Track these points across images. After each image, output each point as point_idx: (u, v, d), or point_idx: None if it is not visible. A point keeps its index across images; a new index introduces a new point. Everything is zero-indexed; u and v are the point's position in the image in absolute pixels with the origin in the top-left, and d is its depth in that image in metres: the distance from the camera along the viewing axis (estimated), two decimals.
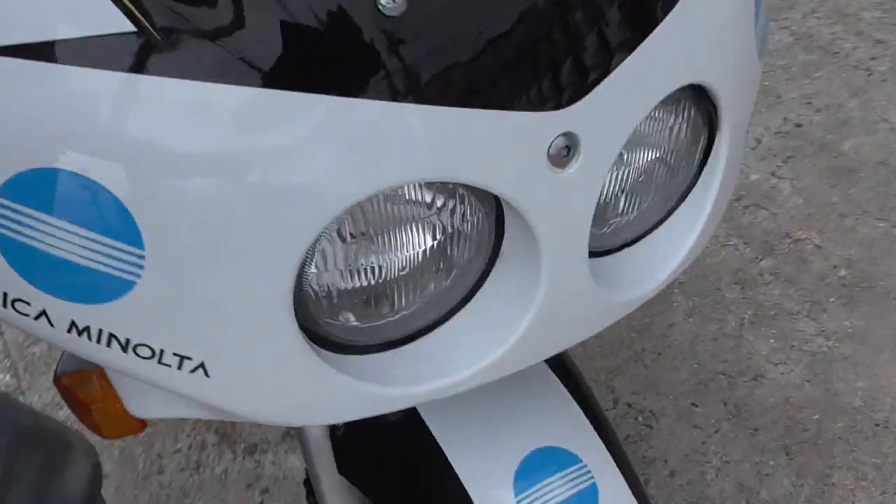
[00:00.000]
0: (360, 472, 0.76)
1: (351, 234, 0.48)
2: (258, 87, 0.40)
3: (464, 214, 0.50)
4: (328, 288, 0.50)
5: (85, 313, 0.45)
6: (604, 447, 0.70)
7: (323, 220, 0.43)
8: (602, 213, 0.60)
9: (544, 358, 0.57)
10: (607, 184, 0.58)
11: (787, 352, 1.60)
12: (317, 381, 0.50)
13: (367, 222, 0.48)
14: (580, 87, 0.45)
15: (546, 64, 0.44)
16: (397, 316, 0.54)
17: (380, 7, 0.40)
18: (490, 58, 0.42)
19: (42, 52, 0.38)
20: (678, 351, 1.63)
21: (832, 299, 1.67)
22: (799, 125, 2.05)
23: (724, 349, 1.62)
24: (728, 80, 0.55)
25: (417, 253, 0.51)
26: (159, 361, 0.47)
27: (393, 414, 0.74)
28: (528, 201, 0.46)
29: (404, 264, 0.52)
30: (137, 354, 0.47)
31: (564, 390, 0.73)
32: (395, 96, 0.41)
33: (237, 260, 0.43)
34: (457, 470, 0.67)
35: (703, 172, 0.61)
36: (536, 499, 0.65)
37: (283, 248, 0.43)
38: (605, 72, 0.45)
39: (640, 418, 1.55)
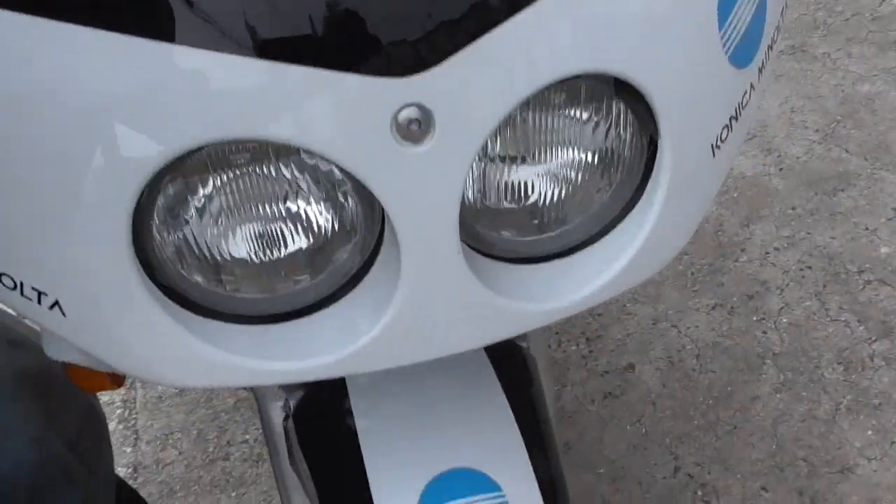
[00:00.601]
0: (299, 463, 0.75)
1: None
2: (87, 26, 0.41)
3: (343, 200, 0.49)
4: (209, 254, 0.50)
5: None
6: (533, 479, 0.64)
7: (147, 171, 0.43)
8: (536, 217, 0.56)
9: (420, 360, 0.53)
10: (537, 186, 0.54)
11: (886, 447, 1.39)
12: (166, 340, 0.50)
13: (234, 191, 0.48)
14: (431, 54, 0.41)
15: (394, 25, 0.41)
16: (276, 294, 0.53)
17: None
18: (331, 13, 0.41)
19: None
20: (757, 427, 1.47)
21: None
22: None
23: (811, 433, 1.44)
24: (665, 80, 0.49)
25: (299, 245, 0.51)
26: (21, 294, 0.49)
27: (330, 408, 0.72)
28: (373, 175, 0.44)
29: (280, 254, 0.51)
30: (2, 283, 0.49)
31: (507, 407, 0.67)
32: (219, 46, 0.40)
33: (75, 193, 0.44)
34: (368, 473, 0.64)
35: (645, 188, 0.55)
36: None
37: (117, 186, 0.43)
38: (464, 41, 0.42)
39: (699, 492, 1.41)
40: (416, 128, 0.43)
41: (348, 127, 0.42)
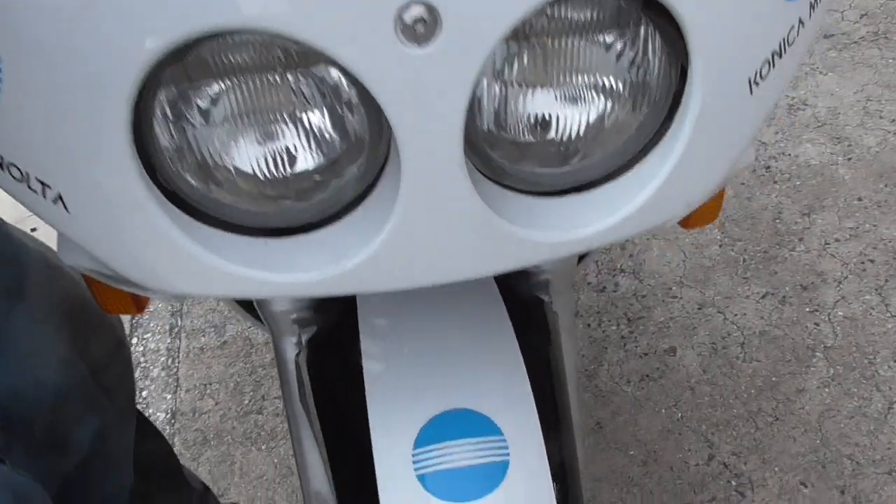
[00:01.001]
0: (308, 399, 0.74)
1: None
2: None
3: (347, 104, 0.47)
4: (211, 158, 0.49)
5: None
6: (538, 430, 0.61)
7: (145, 59, 0.42)
8: (557, 149, 0.53)
9: (420, 284, 0.51)
10: (557, 117, 0.52)
11: None
12: (164, 242, 0.49)
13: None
14: None
15: None
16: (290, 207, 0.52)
17: None
18: None
19: None
20: (801, 421, 1.41)
21: None
22: None
23: (859, 431, 1.37)
24: (698, 2, 0.46)
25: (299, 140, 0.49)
26: (28, 186, 0.49)
27: (341, 346, 0.71)
28: (374, 76, 0.42)
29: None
30: (11, 174, 0.49)
31: (519, 358, 0.65)
32: None
33: (77, 78, 0.43)
34: (368, 407, 0.63)
35: (672, 121, 0.51)
36: (435, 457, 0.59)
37: (115, 74, 0.43)
38: None
39: (734, 482, 1.36)
40: (422, 28, 0.41)
41: (350, 23, 0.40)
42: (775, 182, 1.83)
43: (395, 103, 0.43)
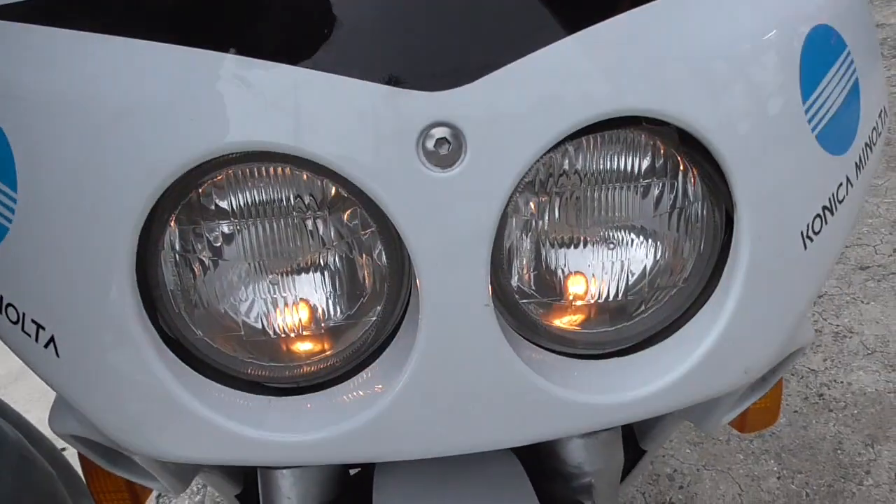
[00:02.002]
0: None
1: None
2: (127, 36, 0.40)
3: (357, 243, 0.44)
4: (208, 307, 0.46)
5: None
6: None
7: (160, 182, 0.40)
8: (596, 307, 0.49)
9: (441, 452, 0.44)
10: (593, 277, 0.48)
11: None
12: (163, 399, 0.44)
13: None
14: (467, 70, 0.38)
15: (428, 34, 0.38)
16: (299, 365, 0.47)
17: None
18: (359, 17, 0.39)
19: None
20: None
21: None
22: None
23: None
24: (737, 138, 0.43)
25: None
26: (22, 328, 0.45)
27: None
28: (394, 199, 0.39)
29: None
30: (7, 316, 0.46)
31: None
32: (229, 47, 0.38)
33: (78, 210, 0.41)
34: None
35: (721, 276, 0.47)
36: None
37: (122, 204, 0.41)
38: (505, 59, 0.38)
39: None
40: (446, 150, 0.38)
41: (370, 143, 0.39)
42: (831, 410, 1.72)
43: (417, 230, 0.39)
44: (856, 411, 1.70)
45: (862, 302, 2.06)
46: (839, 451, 1.61)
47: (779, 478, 1.57)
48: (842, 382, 1.80)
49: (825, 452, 1.61)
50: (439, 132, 0.38)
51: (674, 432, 0.69)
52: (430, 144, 0.38)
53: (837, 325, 1.99)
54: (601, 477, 0.70)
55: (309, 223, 0.44)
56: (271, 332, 0.46)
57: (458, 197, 0.39)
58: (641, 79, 0.41)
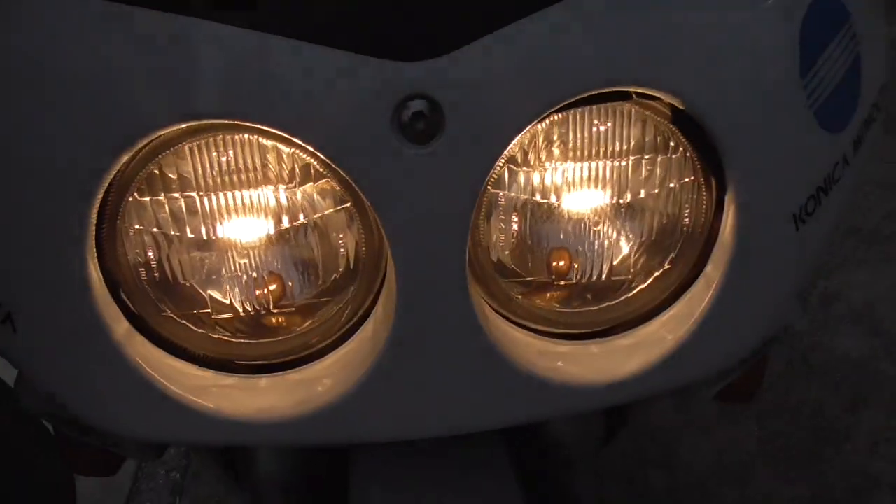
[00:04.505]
0: None
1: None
2: None
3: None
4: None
5: None
6: None
7: (118, 152, 0.38)
8: (579, 285, 0.47)
9: (415, 435, 0.43)
10: (577, 252, 0.46)
11: None
12: (127, 377, 0.42)
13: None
14: (447, 37, 0.36)
15: None
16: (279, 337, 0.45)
17: None
18: None
19: None
20: None
21: None
22: None
23: None
24: (731, 112, 0.41)
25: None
26: None
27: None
28: (366, 176, 0.37)
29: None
30: None
31: None
32: (176, 6, 0.35)
33: (39, 174, 0.39)
34: None
35: (709, 256, 0.45)
36: None
37: (82, 171, 0.38)
38: (489, 26, 0.36)
39: None
40: (422, 125, 0.36)
41: (340, 116, 0.36)
42: (814, 374, 1.72)
43: (391, 208, 0.37)
44: (838, 377, 1.71)
45: (851, 266, 2.05)
46: (819, 416, 1.62)
47: (759, 440, 1.59)
48: (826, 347, 1.80)
49: (806, 416, 1.62)
50: (416, 105, 0.36)
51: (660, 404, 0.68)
52: (405, 118, 0.36)
53: (826, 288, 1.99)
54: (580, 449, 0.69)
55: (280, 194, 0.42)
56: (240, 308, 0.45)
57: (436, 174, 0.37)
58: (633, 50, 0.38)
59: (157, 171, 0.40)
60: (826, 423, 1.60)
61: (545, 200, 0.44)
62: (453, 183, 0.37)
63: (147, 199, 0.41)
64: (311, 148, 0.37)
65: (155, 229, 0.42)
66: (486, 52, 0.36)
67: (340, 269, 0.44)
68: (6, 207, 0.40)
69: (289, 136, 0.37)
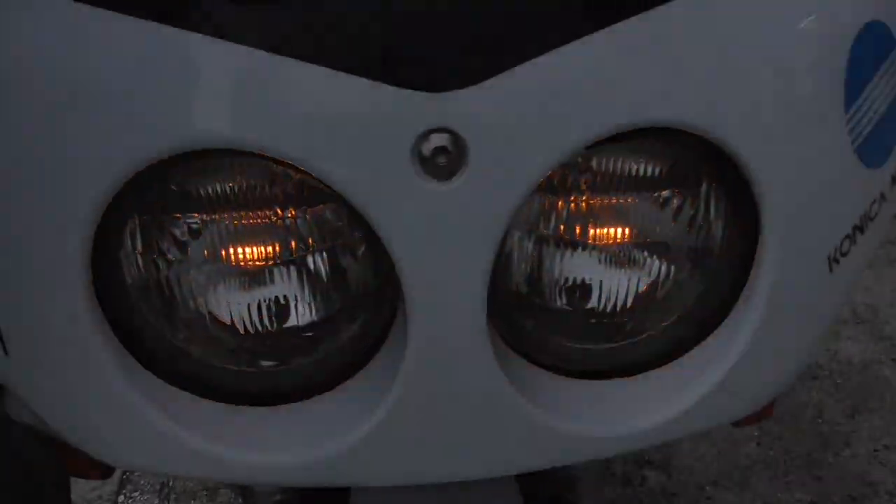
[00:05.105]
0: None
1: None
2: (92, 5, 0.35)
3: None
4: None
5: None
6: None
7: (119, 175, 0.35)
8: (600, 321, 0.45)
9: (425, 480, 0.40)
10: (600, 282, 0.44)
11: None
12: (121, 406, 0.40)
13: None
14: (472, 69, 0.33)
15: (430, 27, 0.33)
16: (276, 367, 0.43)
17: None
18: (352, 5, 0.33)
19: None
20: None
21: None
22: None
23: None
24: (770, 150, 0.39)
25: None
26: None
27: None
28: (384, 211, 0.34)
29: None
30: None
31: None
32: (189, 23, 0.33)
33: (35, 192, 0.37)
34: None
35: (739, 299, 0.43)
36: None
37: (79, 189, 0.36)
38: (516, 59, 0.33)
39: None
40: (444, 160, 0.34)
41: (357, 146, 0.34)
42: (815, 378, 1.71)
43: (407, 247, 0.35)
44: (840, 380, 1.70)
45: None
46: (820, 420, 1.61)
47: (758, 444, 1.57)
48: (829, 350, 1.79)
49: (806, 420, 1.61)
50: (438, 139, 0.33)
51: None
52: (426, 152, 0.33)
53: None
54: (587, 470, 0.67)
55: (286, 219, 0.40)
56: (241, 329, 0.42)
57: (457, 211, 0.35)
58: (666, 85, 0.36)
59: (159, 192, 0.38)
60: (827, 427, 1.59)
61: (568, 234, 0.41)
62: (476, 221, 0.35)
63: (148, 220, 0.39)
64: (322, 179, 0.34)
65: (155, 253, 0.39)
66: (512, 85, 0.33)
67: (349, 296, 0.42)
68: (3, 226, 0.38)
69: (299, 167, 0.34)
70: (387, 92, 0.33)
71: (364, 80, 0.33)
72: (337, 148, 0.34)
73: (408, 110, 0.33)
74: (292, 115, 0.33)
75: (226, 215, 0.39)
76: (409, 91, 0.33)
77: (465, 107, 0.33)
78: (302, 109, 0.33)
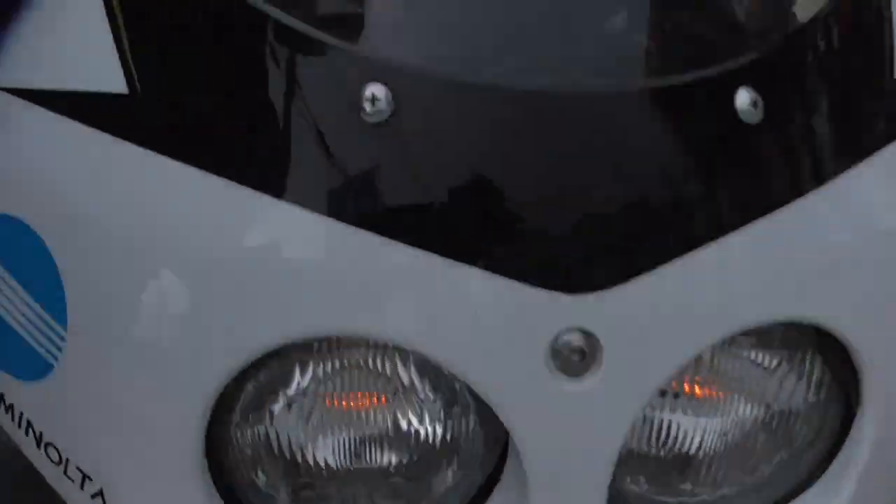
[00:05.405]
0: None
1: None
2: (238, 184, 0.36)
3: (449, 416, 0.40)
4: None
5: (13, 390, 0.42)
6: None
7: (247, 358, 0.36)
8: (687, 471, 0.45)
9: None
10: (695, 433, 0.44)
11: None
12: None
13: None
14: (608, 273, 0.34)
15: (567, 232, 0.34)
16: None
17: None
18: (496, 206, 0.35)
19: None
20: None
21: None
22: None
23: None
24: (876, 337, 0.40)
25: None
26: (65, 472, 0.41)
27: None
28: (512, 407, 0.35)
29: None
30: (48, 456, 0.42)
31: None
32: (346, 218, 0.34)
33: (155, 371, 0.37)
34: None
35: (833, 462, 0.44)
36: None
37: (195, 382, 0.36)
38: (649, 264, 0.34)
39: None
40: (578, 359, 0.34)
41: (493, 343, 0.35)
42: None
43: (533, 440, 0.35)
44: None
45: None
46: None
47: None
48: None
49: None
50: (572, 339, 0.34)
51: None
52: (561, 351, 0.34)
53: None
54: None
55: (399, 372, 0.40)
56: (343, 470, 0.42)
57: (586, 408, 0.35)
58: (788, 285, 0.37)
59: (276, 370, 0.38)
60: None
61: (683, 426, 0.42)
62: (604, 417, 0.36)
63: (260, 388, 0.39)
64: (457, 376, 0.35)
65: (266, 421, 0.40)
66: (647, 288, 0.34)
67: (455, 448, 0.42)
68: (108, 387, 0.39)
69: (433, 361, 0.35)
70: (524, 291, 0.34)
71: (502, 279, 0.34)
72: (470, 344, 0.35)
73: (545, 310, 0.34)
74: (430, 312, 0.34)
75: (336, 369, 0.40)
76: (547, 291, 0.34)
77: (603, 308, 0.34)
78: (437, 304, 0.34)
